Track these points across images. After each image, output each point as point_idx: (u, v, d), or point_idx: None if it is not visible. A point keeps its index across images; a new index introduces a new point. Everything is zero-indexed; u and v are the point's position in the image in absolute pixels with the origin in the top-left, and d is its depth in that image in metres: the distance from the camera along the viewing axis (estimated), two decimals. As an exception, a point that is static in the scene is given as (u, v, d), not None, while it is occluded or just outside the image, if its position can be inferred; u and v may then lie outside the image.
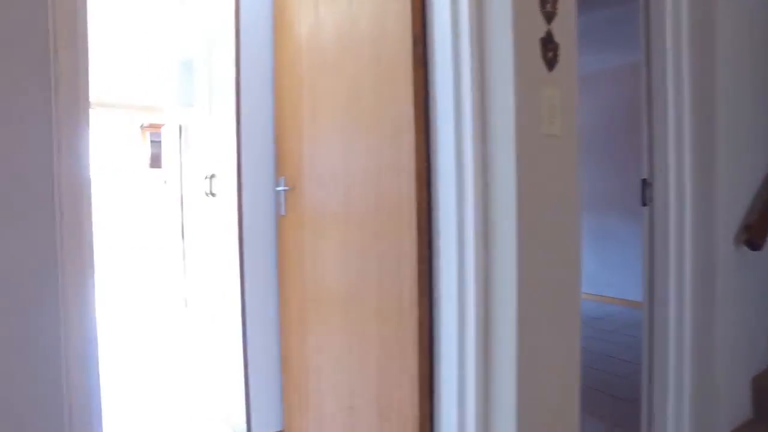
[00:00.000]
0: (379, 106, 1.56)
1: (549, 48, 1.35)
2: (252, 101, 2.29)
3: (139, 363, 3.64)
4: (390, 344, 1.53)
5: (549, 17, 1.35)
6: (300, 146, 2.06)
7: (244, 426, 2.30)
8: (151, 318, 4.97)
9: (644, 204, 2.04)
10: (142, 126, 6.43)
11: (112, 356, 3.72)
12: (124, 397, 2.96)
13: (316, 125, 1.94)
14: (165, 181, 5.42)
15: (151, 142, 6.63)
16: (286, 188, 2.16)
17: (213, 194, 2.67)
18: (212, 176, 2.67)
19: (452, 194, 1.36)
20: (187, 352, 3.83)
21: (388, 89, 1.51)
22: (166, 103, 3.46)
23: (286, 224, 2.22)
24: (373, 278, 1.60)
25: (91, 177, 1.35)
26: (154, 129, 6.40)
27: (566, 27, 1.40)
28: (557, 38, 1.36)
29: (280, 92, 2.23)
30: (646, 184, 2.02)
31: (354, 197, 1.69)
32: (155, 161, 6.53)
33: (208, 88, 2.75)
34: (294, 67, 2.10)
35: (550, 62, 1.35)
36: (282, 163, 2.24)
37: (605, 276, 5.22)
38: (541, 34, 1.34)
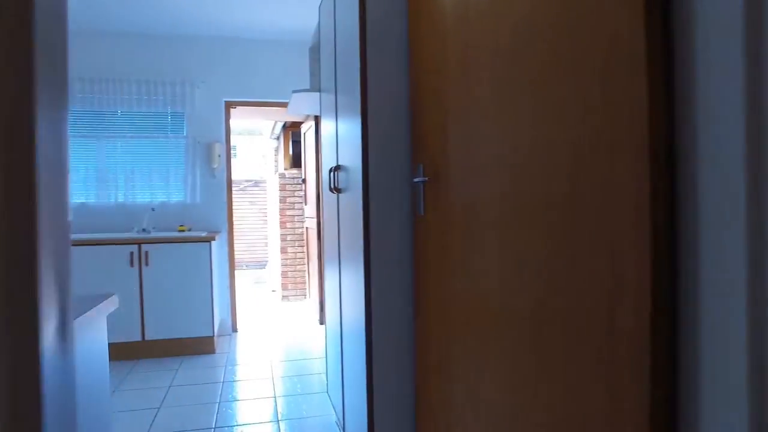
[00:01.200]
0: (574, 46, 0.96)
1: None
2: (379, 71, 1.82)
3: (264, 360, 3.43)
4: (593, 390, 0.92)
5: None
6: (444, 122, 1.53)
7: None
8: (287, 324, 4.84)
9: None
10: (284, 126, 6.48)
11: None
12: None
13: (468, 91, 1.38)
14: (303, 180, 5.29)
15: (293, 142, 6.65)
16: (425, 179, 1.64)
17: (338, 189, 2.26)
18: (336, 168, 2.26)
19: (739, 184, 0.71)
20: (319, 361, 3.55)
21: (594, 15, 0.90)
22: (301, 100, 3.22)
23: (426, 224, 1.70)
24: (558, 298, 1.00)
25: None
26: (296, 128, 6.40)
27: None
28: None
29: (417, 52, 1.72)
30: None
31: (527, 186, 1.10)
32: (296, 161, 6.54)
33: (332, 68, 2.36)
34: (434, 21, 1.57)
35: None
36: (420, 146, 1.73)
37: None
38: None
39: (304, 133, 5.22)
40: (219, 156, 4.17)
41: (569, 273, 0.97)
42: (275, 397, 3.02)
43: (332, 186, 2.32)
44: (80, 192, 3.94)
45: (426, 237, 1.70)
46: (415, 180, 1.67)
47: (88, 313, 1.23)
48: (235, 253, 9.85)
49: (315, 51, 3.00)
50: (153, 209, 3.92)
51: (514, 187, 1.15)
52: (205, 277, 3.68)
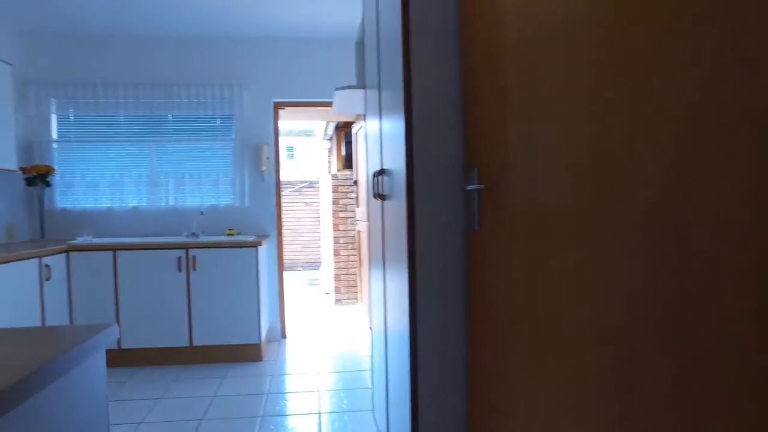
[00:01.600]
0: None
1: None
2: (425, 61, 1.56)
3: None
4: None
5: None
6: (504, 120, 1.26)
7: None
8: (334, 331, 4.67)
9: None
10: (337, 127, 6.34)
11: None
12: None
13: (537, 83, 1.10)
14: (355, 182, 5.11)
15: (345, 142, 6.50)
16: (480, 187, 1.37)
17: (382, 196, 2.02)
18: (381, 173, 2.02)
19: None
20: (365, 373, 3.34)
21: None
22: (346, 98, 3.02)
23: (482, 240, 1.43)
24: (666, 326, 0.72)
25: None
26: (347, 129, 6.24)
27: None
28: None
29: (470, 39, 1.45)
30: None
31: (619, 196, 0.81)
32: (349, 162, 6.38)
33: (376, 62, 2.12)
34: (491, 2, 1.29)
35: None
36: (474, 150, 1.46)
37: None
38: None
39: (355, 134, 5.03)
40: (267, 158, 4.05)
41: (679, 296, 0.67)
42: (320, 413, 2.83)
43: (376, 192, 2.08)
44: (133, 196, 3.94)
45: (482, 255, 1.43)
46: (469, 188, 1.40)
47: (84, 344, 1.06)
48: (291, 253, 9.90)
49: (361, 45, 2.80)
50: (202, 213, 3.86)
51: (599, 197, 0.87)
52: (251, 283, 3.56)
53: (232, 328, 3.56)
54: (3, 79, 3.27)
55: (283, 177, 12.16)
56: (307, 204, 9.54)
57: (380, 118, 2.12)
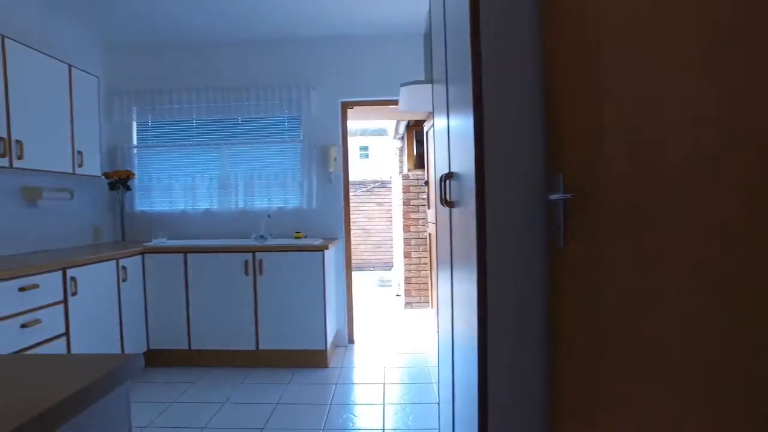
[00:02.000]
0: None
1: None
2: (498, 47, 1.30)
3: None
4: None
5: None
6: (598, 116, 0.98)
7: None
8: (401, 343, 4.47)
9: None
10: (408, 125, 6.14)
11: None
12: None
13: (644, 69, 0.83)
14: (426, 182, 4.88)
15: (416, 141, 6.28)
16: (567, 196, 1.10)
17: (449, 203, 1.79)
18: (448, 177, 1.79)
19: None
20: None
21: None
22: (412, 94, 2.80)
23: (569, 260, 1.16)
24: None
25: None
26: (419, 127, 6.02)
27: None
28: None
29: (554, 19, 1.19)
30: None
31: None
32: (420, 161, 6.15)
33: (443, 54, 1.88)
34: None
35: None
36: (559, 151, 1.19)
37: None
38: None
39: (426, 132, 4.80)
40: (335, 159, 3.93)
41: None
42: (383, 430, 2.65)
43: (443, 198, 1.85)
44: (205, 199, 3.98)
45: (570, 275, 1.15)
46: (552, 197, 1.14)
47: (106, 376, 0.94)
48: (363, 253, 9.85)
49: (429, 37, 2.56)
50: (269, 216, 3.81)
51: (741, 207, 0.59)
52: (317, 288, 3.45)
53: (298, 333, 3.47)
54: (90, 91, 3.39)
55: (356, 177, 12.18)
56: (379, 204, 9.44)
57: (448, 116, 1.89)
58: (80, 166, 3.25)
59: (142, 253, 3.46)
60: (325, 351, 3.50)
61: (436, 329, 4.18)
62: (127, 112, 3.95)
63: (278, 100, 3.91)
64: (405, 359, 3.76)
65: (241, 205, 3.96)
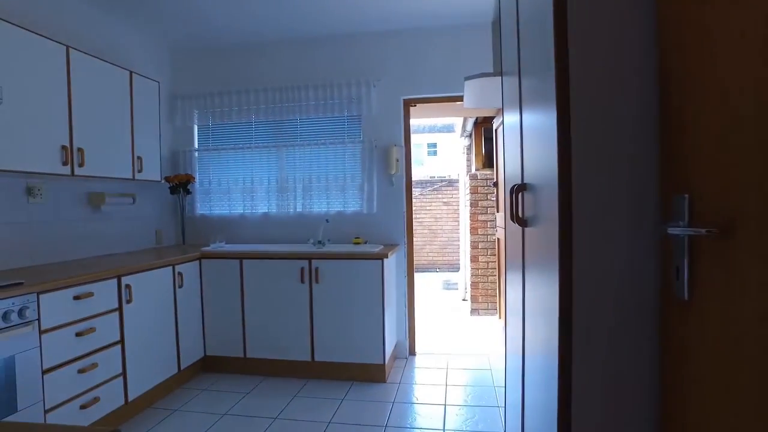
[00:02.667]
0: None
1: None
2: (593, 24, 0.97)
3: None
4: None
5: None
6: (761, 110, 0.64)
7: None
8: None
9: None
10: (476, 122, 5.74)
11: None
12: None
13: None
14: (495, 183, 4.49)
15: (485, 139, 5.87)
16: (699, 231, 0.76)
17: (522, 221, 1.46)
18: (520, 189, 1.46)
19: None
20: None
21: None
22: (478, 88, 2.46)
23: (697, 319, 0.81)
24: None
25: None
26: (488, 124, 5.60)
27: None
28: None
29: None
30: None
31: None
32: (489, 160, 5.74)
33: (515, 43, 1.54)
34: None
35: None
36: (682, 163, 0.84)
37: None
38: None
39: (495, 130, 4.41)
40: (397, 161, 3.66)
41: None
42: (444, 465, 2.36)
43: (515, 214, 1.52)
44: (263, 202, 3.86)
45: (695, 344, 0.81)
46: (671, 230, 0.79)
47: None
48: (428, 254, 9.52)
49: (498, 24, 2.22)
50: (327, 221, 3.62)
51: None
52: (375, 299, 3.20)
53: (355, 345, 3.24)
54: (151, 96, 3.35)
55: (423, 175, 11.86)
56: (446, 203, 9.07)
57: (521, 111, 1.55)
58: (140, 171, 3.21)
59: (199, 259, 3.39)
60: (383, 365, 3.26)
61: (504, 345, 3.81)
62: (188, 115, 3.91)
63: (337, 99, 3.70)
64: (469, 376, 3.42)
65: (299, 208, 3.80)
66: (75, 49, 2.71)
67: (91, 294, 2.45)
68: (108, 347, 2.56)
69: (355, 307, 3.23)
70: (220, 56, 3.94)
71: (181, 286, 3.16)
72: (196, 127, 3.99)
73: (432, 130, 16.84)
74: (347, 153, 3.75)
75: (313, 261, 3.26)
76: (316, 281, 3.25)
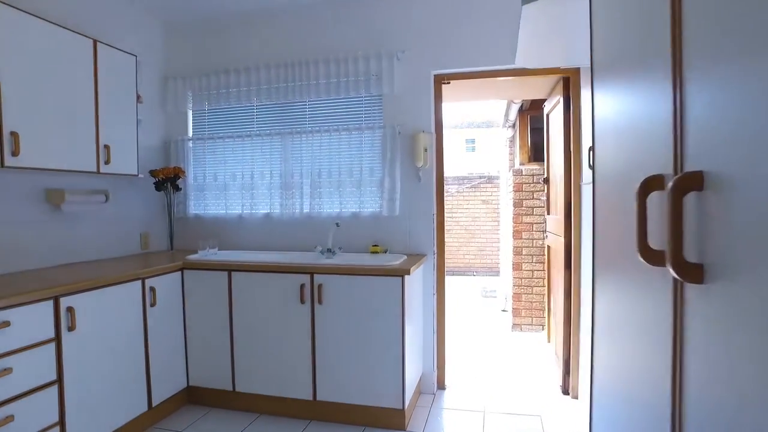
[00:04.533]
0: None
1: None
2: None
3: None
4: None
5: None
6: None
7: None
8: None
9: None
10: (521, 110, 4.81)
11: None
12: None
13: None
14: (545, 179, 3.58)
15: (531, 129, 4.93)
16: None
17: (685, 267, 0.58)
18: (684, 183, 0.59)
19: None
20: None
21: None
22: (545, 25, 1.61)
23: None
24: None
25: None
26: (535, 111, 4.67)
27: None
28: None
29: None
30: None
31: None
32: (536, 153, 4.80)
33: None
34: None
35: None
36: None
37: None
38: None
39: (547, 115, 3.49)
40: (425, 151, 2.82)
41: None
42: None
43: (643, 244, 0.66)
44: (265, 201, 3.11)
45: None
46: None
47: None
48: (465, 257, 8.54)
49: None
50: (337, 224, 2.83)
51: None
52: (393, 326, 2.39)
53: (367, 384, 2.45)
54: (125, 73, 2.63)
55: (459, 172, 10.92)
56: (484, 202, 8.13)
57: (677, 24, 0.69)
58: (107, 163, 2.52)
59: (181, 269, 2.67)
60: (402, 410, 2.44)
61: (560, 376, 2.91)
62: (181, 99, 3.21)
63: (353, 76, 2.90)
64: (515, 422, 2.55)
65: (306, 209, 3.02)
66: (4, 3, 2.03)
67: (6, 323, 1.76)
68: (34, 391, 1.87)
69: (367, 336, 2.43)
70: (218, 29, 3.20)
71: (153, 305, 2.45)
72: (190, 113, 3.29)
73: (470, 125, 15.80)
74: (365, 141, 2.94)
75: (315, 276, 2.48)
76: (319, 301, 2.47)
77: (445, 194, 8.05)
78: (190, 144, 3.22)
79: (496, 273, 7.56)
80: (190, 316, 2.69)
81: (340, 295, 2.45)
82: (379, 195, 2.91)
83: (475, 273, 7.99)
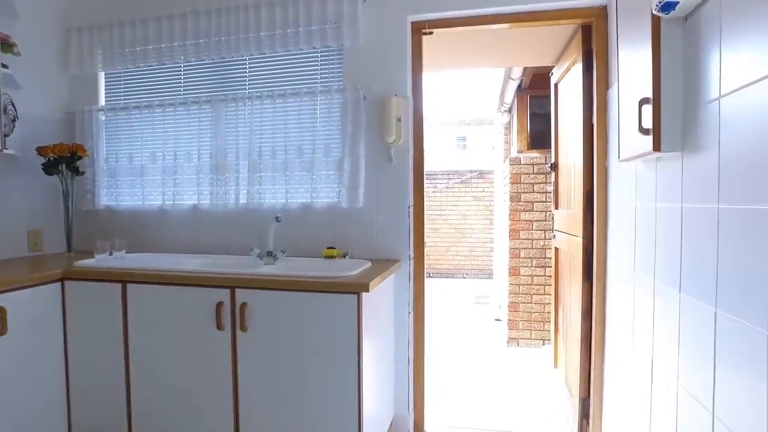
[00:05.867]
0: None
1: None
2: None
3: None
4: None
5: None
6: None
7: None
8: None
9: None
10: (519, 90, 4.06)
11: None
12: None
13: None
14: (552, 166, 2.81)
15: (531, 115, 4.18)
16: None
17: None
18: None
19: None
20: None
21: None
22: None
23: None
24: None
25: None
26: (537, 91, 3.91)
27: None
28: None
29: None
30: None
31: None
32: (537, 140, 4.05)
33: None
34: None
35: None
36: None
37: None
38: None
39: (556, 85, 2.73)
40: (399, 121, 2.05)
41: None
42: None
43: None
44: (192, 189, 2.32)
45: None
46: None
47: None
48: (454, 258, 7.74)
49: None
50: (278, 219, 2.05)
51: None
52: (345, 361, 1.61)
53: (312, 444, 1.67)
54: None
55: (450, 165, 10.17)
56: (476, 198, 7.36)
57: None
58: (-57, 128, 1.73)
59: (60, 280, 1.88)
60: (360, 480, 1.67)
61: (575, 410, 2.14)
62: (88, 57, 2.40)
63: (305, 24, 2.11)
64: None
65: (242, 199, 2.23)
66: None
67: None
68: None
69: (310, 375, 1.65)
70: (137, -33, 2.41)
71: (3, 334, 1.66)
72: (102, 76, 2.49)
73: (462, 123, 15.08)
74: (320, 110, 2.16)
75: (237, 291, 1.70)
76: (242, 327, 1.69)
77: (434, 190, 7.26)
78: (102, 116, 2.43)
79: (489, 275, 6.81)
80: (74, 343, 1.90)
81: (272, 318, 1.67)
82: (337, 180, 2.13)
83: (465, 276, 7.23)
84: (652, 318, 1.42)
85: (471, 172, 7.40)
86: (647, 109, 1.25)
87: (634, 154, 1.41)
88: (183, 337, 1.76)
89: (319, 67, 2.19)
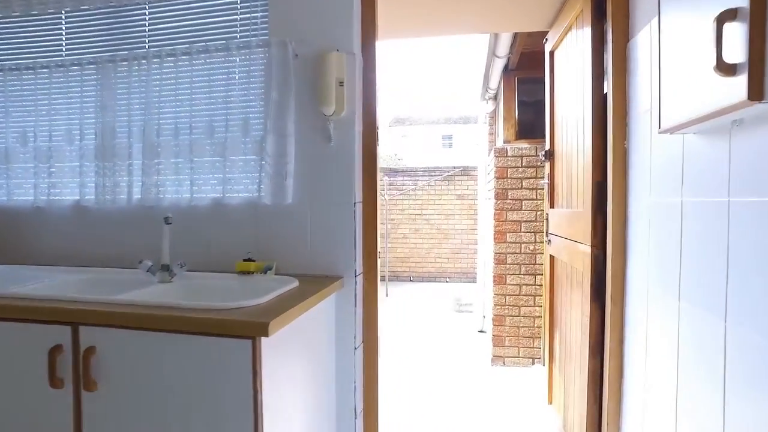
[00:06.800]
0: None
1: None
2: None
3: None
4: None
5: None
6: None
7: None
8: None
9: None
10: (506, 71, 3.49)
11: None
12: None
13: None
14: (548, 153, 2.25)
15: (520, 103, 3.63)
16: None
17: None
18: None
19: None
20: None
21: None
22: None
23: None
24: None
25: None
26: (525, 71, 3.35)
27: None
28: None
29: None
30: None
31: None
32: (525, 129, 3.49)
33: None
34: None
35: None
36: None
37: None
38: None
39: (551, 53, 2.16)
40: (340, 85, 1.47)
41: None
42: None
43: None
44: (73, 180, 1.72)
45: None
46: None
47: None
48: (436, 261, 7.15)
49: None
50: (168, 220, 1.45)
51: None
52: (239, 426, 1.03)
53: None
54: None
55: (432, 162, 9.58)
56: (459, 197, 6.80)
57: None
58: None
59: None
60: None
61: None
62: (-59, 4, 1.79)
63: (216, -45, 1.53)
64: None
65: (137, 193, 1.63)
66: None
67: None
68: None
69: (192, 458, 1.06)
70: None
71: None
72: (-39, 32, 1.88)
73: (448, 121, 14.54)
74: (237, 72, 1.56)
75: (82, 330, 1.11)
76: (87, 385, 1.10)
77: (414, 188, 6.69)
78: (-40, 84, 1.81)
79: (473, 279, 6.26)
80: None
81: (132, 369, 1.08)
82: (257, 168, 1.54)
83: (448, 279, 6.67)
84: (706, 365, 0.86)
85: (454, 168, 6.84)
86: (735, 30, 0.68)
87: (693, 115, 0.84)
88: (11, 396, 1.16)
89: (239, 16, 1.60)
